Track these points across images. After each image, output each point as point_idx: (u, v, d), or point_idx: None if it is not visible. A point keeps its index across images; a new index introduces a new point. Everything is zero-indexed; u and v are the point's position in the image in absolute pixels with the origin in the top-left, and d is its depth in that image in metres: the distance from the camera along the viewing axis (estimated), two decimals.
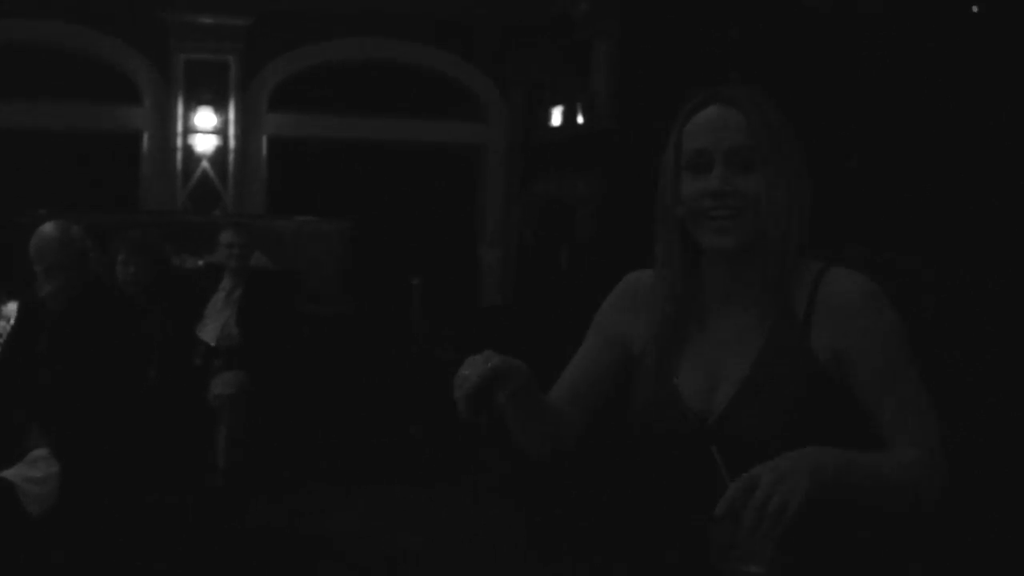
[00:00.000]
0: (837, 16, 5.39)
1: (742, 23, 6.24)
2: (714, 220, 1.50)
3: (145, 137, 9.62)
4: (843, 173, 5.47)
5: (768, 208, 1.50)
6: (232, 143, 9.58)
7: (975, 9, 4.86)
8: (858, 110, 5.34)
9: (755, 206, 1.50)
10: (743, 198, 1.49)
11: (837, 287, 1.54)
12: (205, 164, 9.52)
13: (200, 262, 6.41)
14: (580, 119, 8.67)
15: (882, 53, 5.12)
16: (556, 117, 9.21)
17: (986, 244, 4.31)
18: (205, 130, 9.48)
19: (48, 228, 3.79)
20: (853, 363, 1.50)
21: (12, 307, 4.23)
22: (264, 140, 9.91)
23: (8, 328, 3.96)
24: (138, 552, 4.15)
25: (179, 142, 9.49)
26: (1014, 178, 4.21)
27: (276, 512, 4.85)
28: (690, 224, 1.54)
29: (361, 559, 4.36)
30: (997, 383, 3.45)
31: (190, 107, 9.45)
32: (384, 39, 9.94)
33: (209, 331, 5.28)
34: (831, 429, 1.47)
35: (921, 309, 3.66)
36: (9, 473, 3.20)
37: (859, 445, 1.46)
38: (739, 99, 1.53)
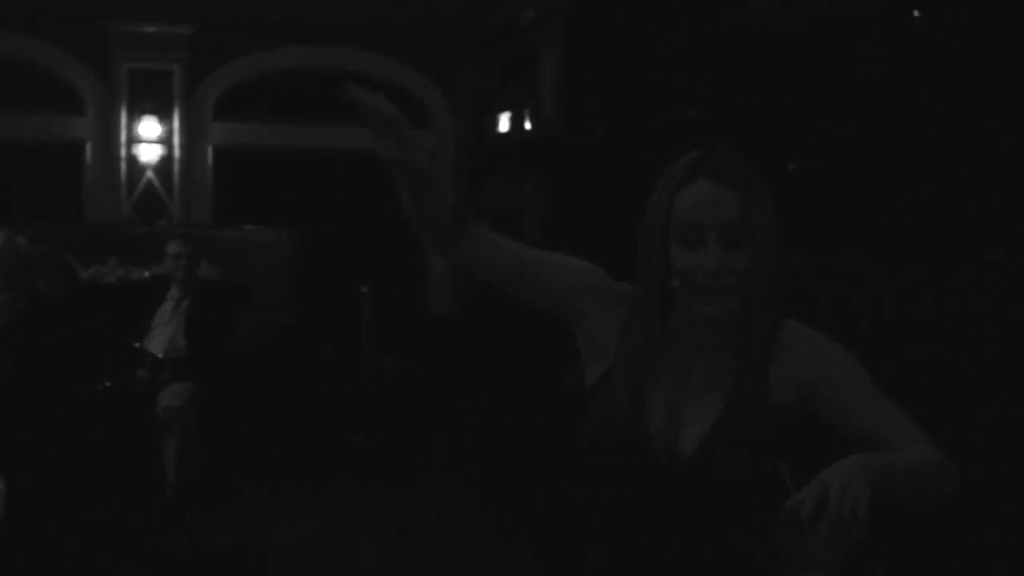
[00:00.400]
0: (778, 24, 5.47)
1: (687, 30, 6.31)
2: (707, 294, 1.59)
3: (88, 147, 9.52)
4: (784, 176, 5.54)
5: (754, 280, 1.60)
6: (177, 152, 9.50)
7: (916, 14, 4.95)
8: (799, 114, 5.42)
9: (744, 279, 1.59)
10: (734, 274, 1.58)
11: (796, 335, 1.68)
12: (150, 174, 9.43)
13: (146, 273, 6.34)
14: (527, 125, 8.71)
15: (824, 58, 5.20)
16: (503, 123, 9.24)
17: (928, 243, 4.39)
18: (149, 140, 9.40)
19: None
20: (830, 392, 1.62)
21: None
22: (209, 149, 9.84)
23: None
24: (88, 569, 4.11)
25: (123, 152, 9.39)
26: (954, 179, 4.30)
27: (228, 525, 4.80)
28: (682, 293, 1.62)
29: (314, 569, 4.34)
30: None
31: (134, 117, 9.36)
32: (330, 47, 9.91)
33: (157, 343, 5.23)
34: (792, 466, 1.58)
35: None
36: None
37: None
38: (728, 175, 1.61)
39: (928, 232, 4.46)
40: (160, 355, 5.18)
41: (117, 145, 9.39)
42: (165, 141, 9.43)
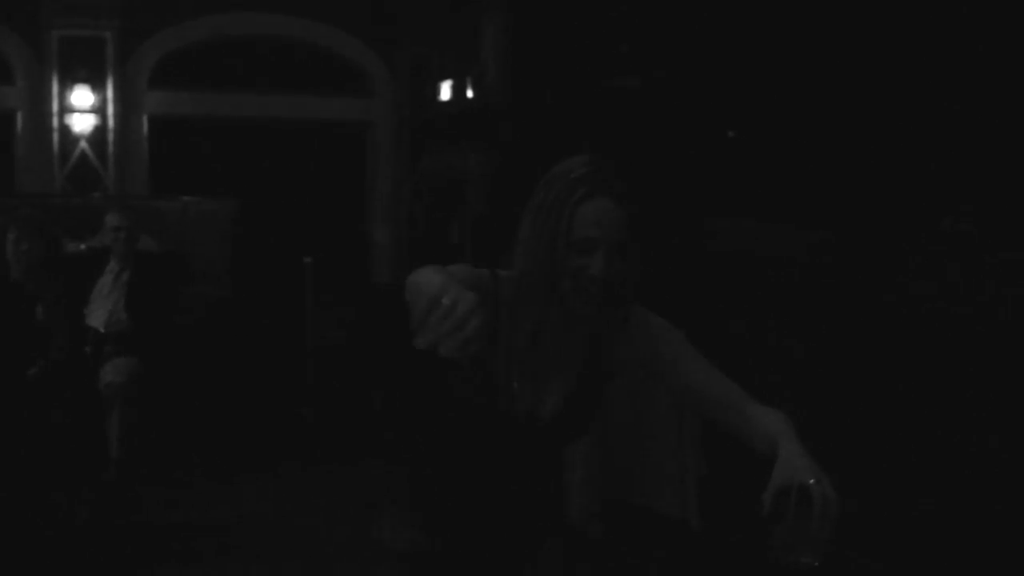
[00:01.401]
0: None
1: None
2: (589, 294, 1.80)
3: (19, 117, 9.27)
4: (723, 143, 5.58)
5: (628, 284, 1.84)
6: (111, 122, 9.29)
7: None
8: (739, 81, 5.45)
9: (620, 283, 1.82)
10: (616, 280, 1.81)
11: (638, 319, 1.94)
12: (83, 144, 9.22)
13: (82, 246, 6.23)
14: (469, 93, 8.66)
15: (764, 26, 5.22)
16: (445, 91, 9.17)
17: (867, 211, 4.44)
18: (82, 109, 9.18)
19: None
20: (671, 363, 1.91)
21: None
22: (145, 119, 9.65)
23: None
24: (34, 549, 4.05)
25: (55, 122, 9.16)
26: (895, 147, 4.35)
27: (172, 502, 4.76)
28: (569, 291, 1.82)
29: (262, 546, 4.31)
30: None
31: (66, 85, 9.13)
32: (268, 14, 9.76)
33: (97, 316, 5.14)
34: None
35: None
36: None
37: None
38: (621, 193, 1.81)
39: (867, 200, 4.52)
40: (101, 329, 5.09)
41: (49, 115, 9.16)
42: (99, 110, 9.22)
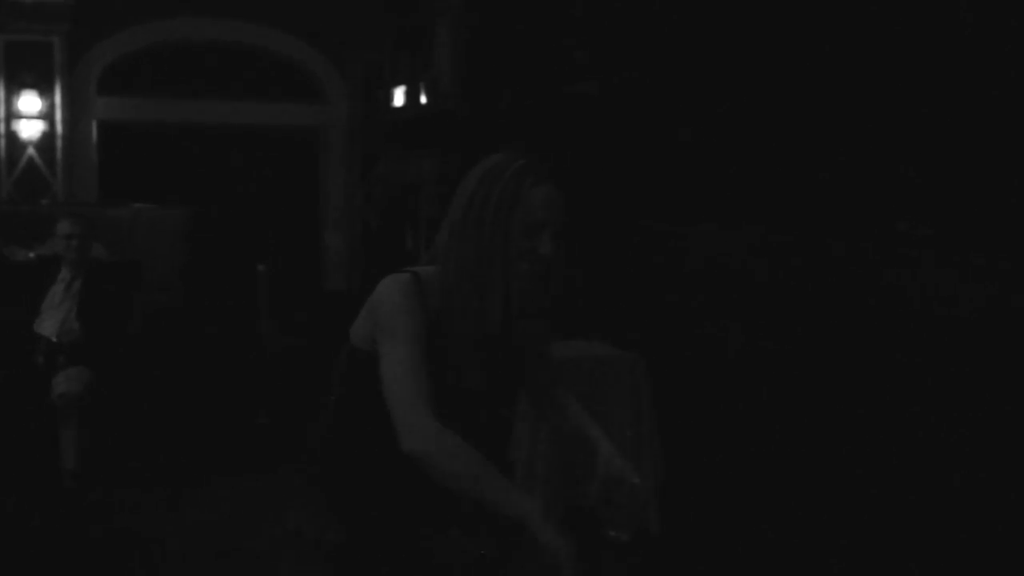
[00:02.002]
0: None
1: (584, 3, 6.33)
2: (536, 273, 1.87)
3: None
4: (675, 146, 5.62)
5: (565, 263, 1.91)
6: (59, 128, 9.19)
7: None
8: (691, 82, 5.49)
9: (561, 264, 1.90)
10: (555, 260, 1.88)
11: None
12: (31, 151, 9.11)
13: (31, 254, 6.14)
14: (423, 99, 8.65)
15: (718, 30, 5.26)
16: (398, 97, 9.17)
17: (821, 214, 4.49)
18: (30, 115, 9.07)
19: None
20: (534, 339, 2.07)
21: None
22: (94, 124, 9.56)
23: None
24: None
25: (2, 128, 9.04)
26: (850, 149, 4.39)
27: (130, 509, 4.71)
28: (519, 272, 1.89)
29: (215, 553, 4.28)
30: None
31: (12, 91, 9.02)
32: (218, 19, 9.70)
33: (48, 326, 5.06)
34: None
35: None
36: None
37: None
38: (559, 180, 1.90)
39: (822, 202, 4.56)
40: (53, 338, 5.02)
41: None
42: (47, 116, 9.11)
